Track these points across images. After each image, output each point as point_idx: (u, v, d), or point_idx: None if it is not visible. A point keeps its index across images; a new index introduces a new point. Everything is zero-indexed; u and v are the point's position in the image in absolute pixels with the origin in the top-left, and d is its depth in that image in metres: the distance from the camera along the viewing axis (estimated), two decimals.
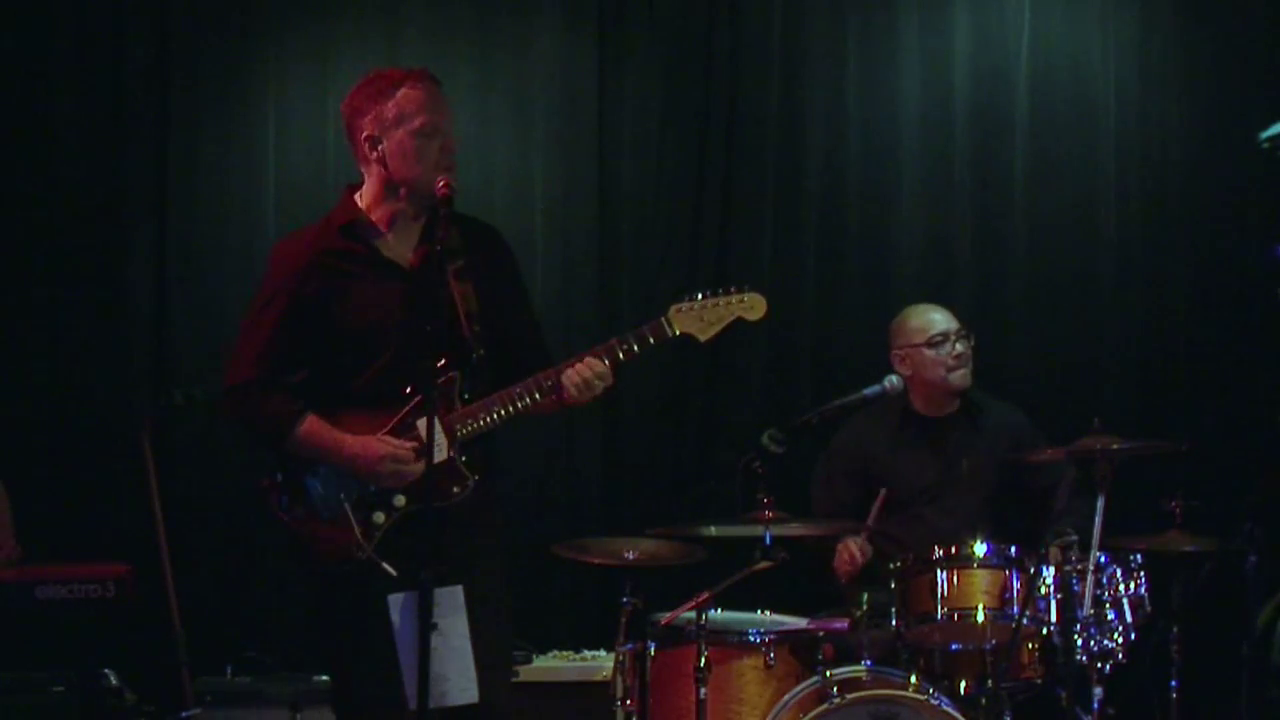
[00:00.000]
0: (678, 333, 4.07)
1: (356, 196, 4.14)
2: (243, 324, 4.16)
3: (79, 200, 6.30)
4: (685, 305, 4.08)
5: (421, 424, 3.96)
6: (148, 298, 6.29)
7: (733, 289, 4.14)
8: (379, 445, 3.98)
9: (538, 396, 4.00)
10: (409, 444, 3.98)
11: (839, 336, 6.40)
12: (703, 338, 4.11)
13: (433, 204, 4.03)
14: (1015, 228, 6.39)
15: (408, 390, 4.01)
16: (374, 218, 4.11)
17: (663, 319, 4.06)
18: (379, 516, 4.00)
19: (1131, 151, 6.39)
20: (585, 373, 3.98)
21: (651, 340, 4.05)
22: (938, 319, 5.51)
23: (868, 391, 5.14)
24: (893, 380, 5.22)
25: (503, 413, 4.00)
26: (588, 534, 5.39)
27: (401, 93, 4.04)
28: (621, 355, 4.03)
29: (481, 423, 3.98)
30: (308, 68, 6.41)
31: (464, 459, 3.97)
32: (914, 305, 5.64)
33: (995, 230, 6.41)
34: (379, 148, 4.05)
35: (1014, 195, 6.39)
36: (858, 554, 5.26)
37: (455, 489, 3.96)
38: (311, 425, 4.01)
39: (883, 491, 5.28)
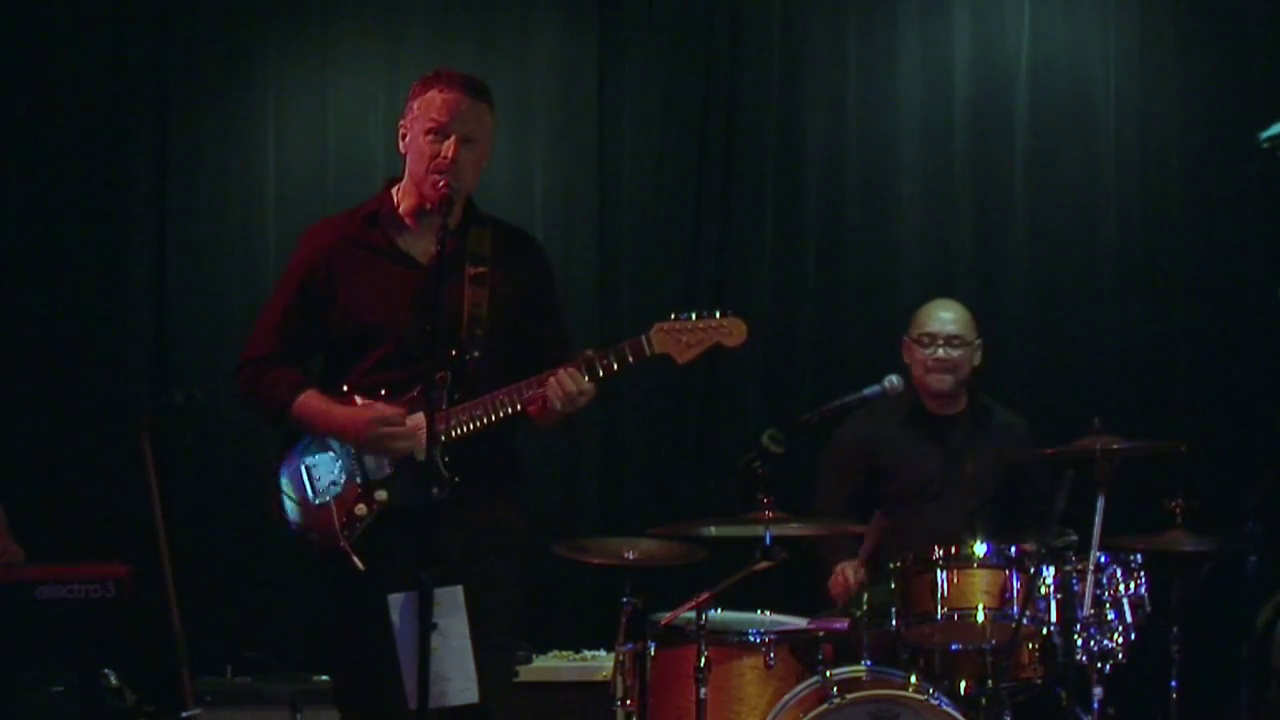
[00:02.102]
0: (656, 352, 4.04)
1: (393, 190, 4.18)
2: (266, 301, 4.27)
3: (79, 200, 6.31)
4: (669, 325, 4.04)
5: (410, 420, 3.98)
6: (148, 298, 6.29)
7: (717, 313, 4.08)
8: (366, 411, 4.01)
9: (519, 404, 3.99)
10: (399, 409, 3.99)
11: (839, 336, 6.40)
12: (680, 360, 4.06)
13: (430, 201, 4.05)
14: (1015, 228, 6.39)
15: (383, 393, 4.03)
16: (402, 210, 4.13)
17: (644, 337, 4.03)
18: (361, 509, 4.02)
19: (1131, 151, 6.39)
20: (569, 385, 3.95)
21: (631, 359, 4.02)
22: (939, 318, 5.52)
23: (868, 392, 5.14)
24: (892, 380, 5.22)
25: (486, 418, 3.98)
26: (588, 534, 5.39)
27: (431, 93, 4.07)
28: (601, 371, 4.01)
29: (466, 426, 3.96)
30: (308, 68, 6.41)
31: (446, 459, 3.97)
32: (940, 299, 5.64)
33: (995, 230, 6.41)
34: (405, 139, 4.12)
35: (1014, 195, 6.39)
36: (852, 580, 5.27)
37: (435, 490, 3.97)
38: (308, 398, 4.07)
39: (876, 516, 5.34)
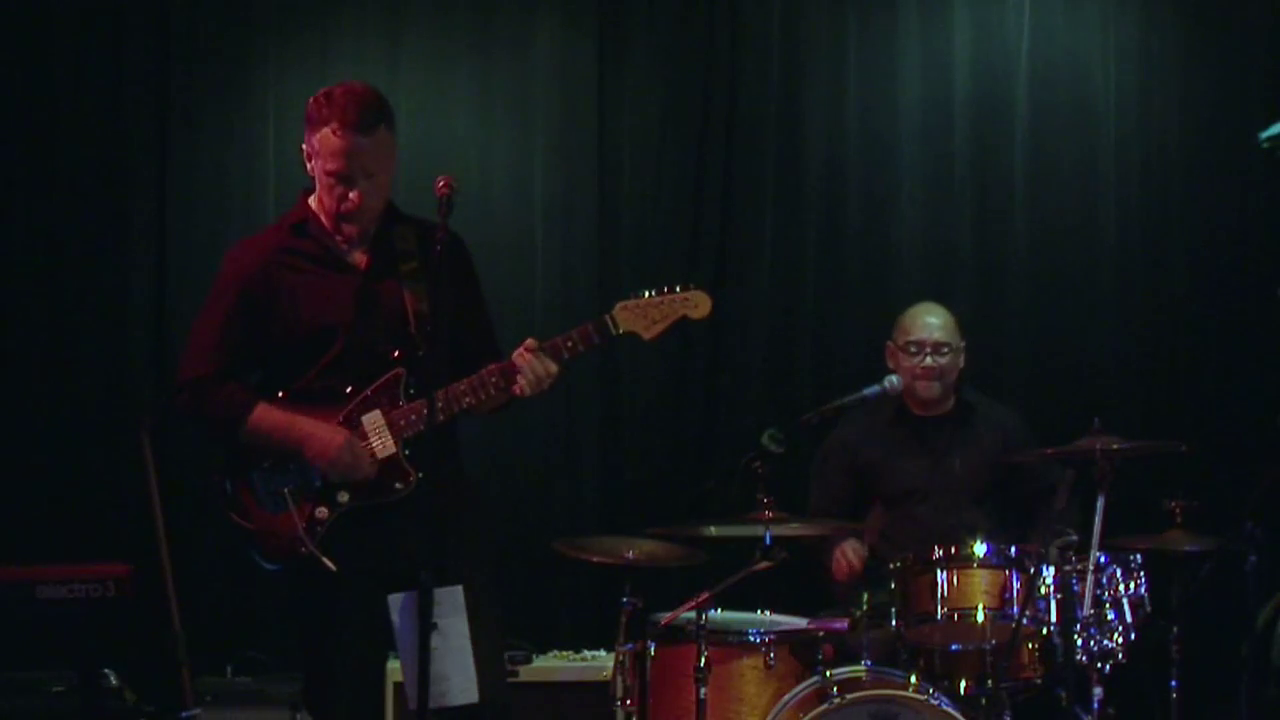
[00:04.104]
0: (621, 331, 4.05)
1: (311, 199, 4.18)
2: (194, 324, 4.21)
3: (79, 200, 6.29)
4: (630, 303, 4.06)
5: (366, 419, 4.00)
6: (148, 298, 6.28)
7: (678, 287, 4.10)
8: (339, 435, 3.99)
9: (482, 394, 3.99)
10: (368, 448, 4.00)
11: (839, 336, 6.41)
12: (647, 336, 4.08)
13: (345, 234, 4.08)
14: (1015, 228, 6.40)
15: (348, 390, 4.03)
16: (324, 218, 4.14)
17: (607, 316, 4.06)
18: (322, 511, 4.02)
19: (1131, 151, 6.40)
20: (539, 368, 3.97)
21: (596, 339, 4.04)
22: (926, 324, 5.49)
23: (868, 391, 5.15)
24: (892, 380, 5.24)
25: (448, 410, 3.98)
26: (588, 533, 5.39)
27: (324, 132, 4.02)
28: (566, 354, 4.02)
29: (426, 421, 3.94)
30: (308, 68, 6.40)
31: (407, 454, 3.98)
32: (922, 304, 5.63)
33: (995, 230, 6.42)
34: (310, 161, 4.11)
35: (1014, 195, 6.40)
36: (854, 559, 5.27)
37: (398, 485, 3.98)
38: (263, 411, 4.05)
39: (878, 504, 5.33)
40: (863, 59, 6.46)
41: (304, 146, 4.12)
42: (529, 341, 4.02)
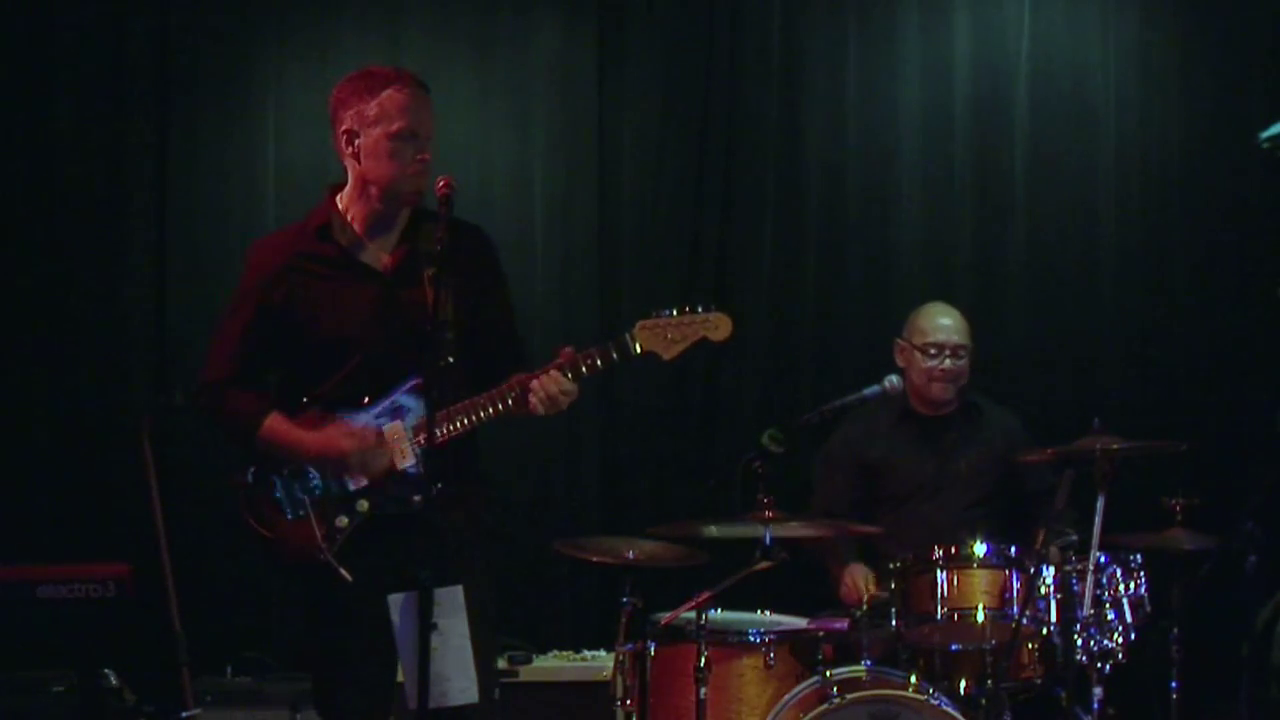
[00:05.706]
0: (641, 350, 4.03)
1: (338, 198, 4.14)
2: (218, 323, 4.21)
3: (79, 200, 6.30)
4: (651, 322, 4.04)
5: (387, 430, 4.00)
6: (148, 297, 6.28)
7: (700, 308, 4.08)
8: (341, 434, 3.98)
9: (501, 408, 3.98)
10: (372, 430, 3.99)
11: (839, 336, 6.41)
12: (666, 356, 4.06)
13: (406, 205, 4.06)
14: (1015, 228, 6.40)
15: (365, 400, 4.02)
16: (351, 217, 4.10)
17: (627, 335, 4.03)
18: (342, 520, 4.01)
19: (1131, 151, 6.40)
20: (551, 388, 3.95)
21: (615, 357, 4.02)
22: (943, 326, 5.52)
23: (868, 391, 5.15)
24: (893, 380, 5.23)
25: (466, 422, 3.97)
26: (588, 534, 5.39)
27: (387, 93, 4.01)
28: (585, 370, 4.00)
29: (445, 431, 3.93)
30: (308, 68, 6.40)
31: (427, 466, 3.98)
32: (935, 304, 5.65)
33: (995, 230, 6.42)
34: (355, 143, 4.04)
35: (1014, 195, 6.40)
36: (863, 586, 5.26)
37: (416, 496, 3.97)
38: (274, 423, 4.04)
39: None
40: (863, 60, 6.46)
41: (345, 127, 4.04)
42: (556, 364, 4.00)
